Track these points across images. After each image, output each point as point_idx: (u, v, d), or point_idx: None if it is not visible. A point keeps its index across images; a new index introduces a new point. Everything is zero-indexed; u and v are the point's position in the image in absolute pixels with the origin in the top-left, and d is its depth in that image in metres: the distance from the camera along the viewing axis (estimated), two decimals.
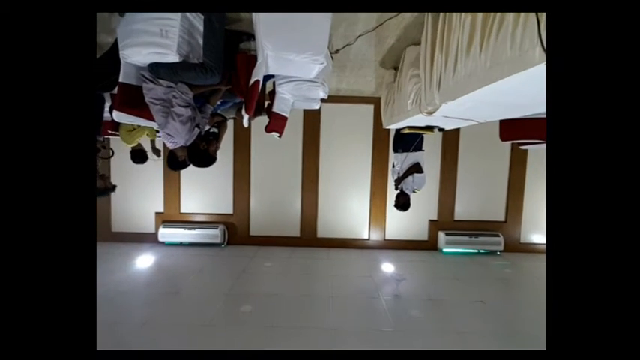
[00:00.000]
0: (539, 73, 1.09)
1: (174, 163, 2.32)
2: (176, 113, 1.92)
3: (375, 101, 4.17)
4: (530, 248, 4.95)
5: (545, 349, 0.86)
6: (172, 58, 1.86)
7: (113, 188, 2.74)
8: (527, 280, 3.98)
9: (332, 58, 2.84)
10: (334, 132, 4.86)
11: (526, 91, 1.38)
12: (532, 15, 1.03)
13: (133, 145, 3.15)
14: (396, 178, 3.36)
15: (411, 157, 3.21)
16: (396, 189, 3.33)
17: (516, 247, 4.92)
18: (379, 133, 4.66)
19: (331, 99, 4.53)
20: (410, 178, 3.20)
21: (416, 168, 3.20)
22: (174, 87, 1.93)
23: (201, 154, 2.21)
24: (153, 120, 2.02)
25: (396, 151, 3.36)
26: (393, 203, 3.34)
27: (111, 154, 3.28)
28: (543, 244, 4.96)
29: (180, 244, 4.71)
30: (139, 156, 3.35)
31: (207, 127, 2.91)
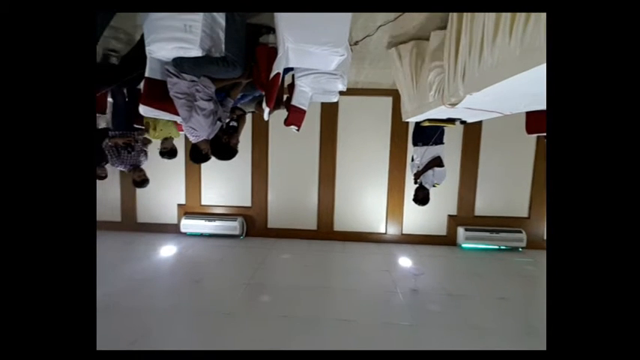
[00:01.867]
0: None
1: (197, 155, 2.38)
2: (199, 107, 1.97)
3: (394, 93, 4.10)
4: None
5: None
6: (195, 52, 1.90)
7: (148, 181, 3.15)
8: None
9: (351, 50, 2.81)
10: (352, 125, 4.82)
11: None
12: None
13: (159, 137, 3.15)
14: (415, 171, 3.31)
15: (431, 151, 3.14)
16: (415, 183, 3.29)
17: (540, 245, 4.75)
18: (397, 125, 4.59)
19: (349, 92, 4.47)
20: (430, 171, 3.14)
21: (437, 162, 3.13)
22: (198, 81, 1.98)
23: (223, 146, 2.25)
24: (177, 114, 2.08)
25: (415, 144, 3.30)
26: (412, 197, 3.29)
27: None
28: None
29: (201, 235, 4.86)
30: (171, 153, 3.32)
31: (227, 120, 2.98)
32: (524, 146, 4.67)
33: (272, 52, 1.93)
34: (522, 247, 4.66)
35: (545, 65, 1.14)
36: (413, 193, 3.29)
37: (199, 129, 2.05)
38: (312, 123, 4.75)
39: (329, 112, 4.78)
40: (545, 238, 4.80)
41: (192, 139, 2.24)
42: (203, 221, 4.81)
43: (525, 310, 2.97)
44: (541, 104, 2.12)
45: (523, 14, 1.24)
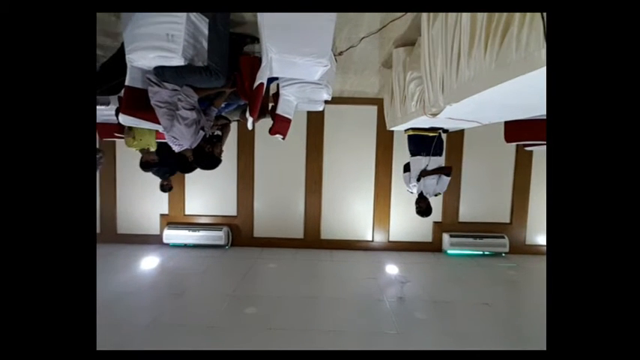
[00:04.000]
0: (544, 75, 1.08)
1: (184, 166, 2.34)
2: (181, 116, 1.94)
3: (379, 102, 4.17)
4: (535, 250, 4.91)
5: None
6: (178, 61, 1.88)
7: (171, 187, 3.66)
8: (532, 282, 3.94)
9: (336, 60, 2.85)
10: (338, 133, 4.86)
11: (532, 92, 1.37)
12: (538, 16, 1.03)
13: (136, 147, 3.09)
14: (413, 182, 3.07)
15: (434, 162, 2.98)
16: (420, 199, 3.08)
17: (522, 249, 4.88)
18: (383, 134, 4.66)
19: (335, 100, 4.54)
20: (434, 180, 2.99)
21: (446, 171, 2.99)
22: (180, 90, 1.95)
23: (206, 156, 2.22)
24: (158, 123, 2.04)
25: (416, 153, 3.04)
26: (416, 210, 3.13)
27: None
28: None
29: (185, 245, 4.73)
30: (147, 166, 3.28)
31: (212, 130, 2.94)
32: (505, 154, 4.82)
33: (255, 62, 1.93)
34: (505, 253, 4.76)
35: (519, 79, 1.19)
36: (415, 205, 3.15)
37: (181, 138, 2.01)
38: (299, 131, 4.76)
39: (315, 121, 4.81)
40: (526, 243, 4.93)
41: (176, 149, 2.20)
42: (187, 231, 4.70)
43: (509, 315, 3.02)
44: (517, 115, 2.20)
45: (500, 28, 1.29)
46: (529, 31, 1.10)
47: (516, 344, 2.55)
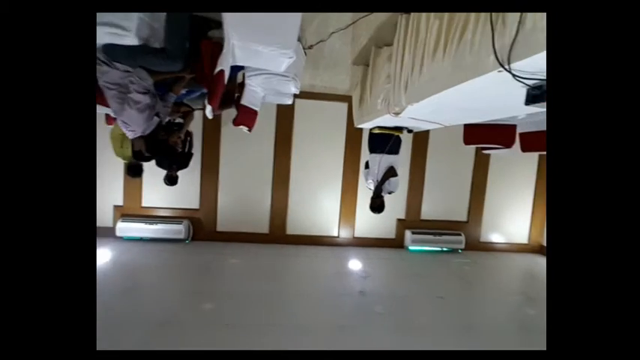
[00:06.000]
0: (494, 79, 1.14)
1: (138, 156, 2.18)
2: (133, 100, 1.80)
3: (349, 100, 4.18)
4: (488, 247, 5.25)
5: (527, 348, 0.85)
6: (131, 40, 1.74)
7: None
8: (483, 277, 4.22)
9: (305, 53, 2.81)
10: (307, 128, 4.83)
11: (483, 96, 1.43)
12: (488, 23, 1.07)
13: (127, 157, 2.76)
14: (370, 179, 3.29)
15: (386, 159, 3.16)
16: (376, 196, 3.23)
17: (476, 246, 5.19)
18: (352, 132, 4.70)
19: (305, 95, 4.51)
20: (386, 182, 3.16)
21: (391, 172, 3.16)
22: (132, 72, 1.81)
23: (159, 144, 2.09)
24: (107, 106, 1.88)
25: (373, 151, 3.27)
26: (369, 205, 3.26)
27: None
28: (501, 243, 5.29)
29: (141, 239, 4.46)
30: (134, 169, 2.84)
31: (173, 118, 2.78)
32: (466, 156, 5.09)
33: (217, 48, 1.84)
34: (461, 249, 5.05)
35: (471, 82, 1.24)
36: (370, 201, 3.27)
37: (132, 123, 1.87)
38: (268, 125, 4.67)
39: (285, 115, 4.73)
40: (480, 240, 5.26)
41: (129, 135, 2.05)
42: (143, 224, 4.42)
43: (460, 308, 3.21)
44: (474, 118, 2.31)
45: (457, 33, 1.33)
46: (481, 36, 1.14)
47: (464, 333, 2.71)
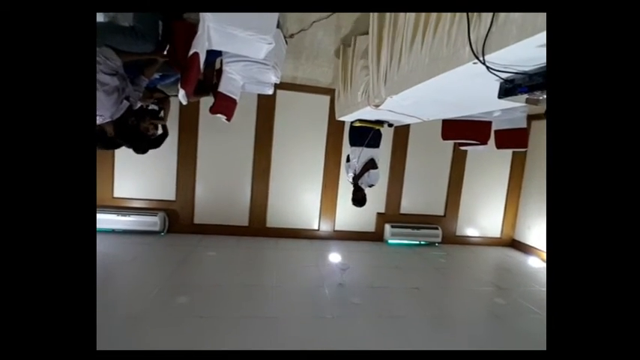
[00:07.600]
0: (468, 71, 1.14)
1: (103, 139, 2.06)
2: (99, 81, 1.69)
3: (331, 92, 4.16)
4: (464, 240, 5.44)
5: (526, 347, 0.85)
6: (97, 16, 1.62)
7: None
8: (458, 269, 4.37)
9: (286, 42, 2.75)
10: (289, 120, 4.76)
11: (459, 89, 1.45)
12: (464, 14, 1.07)
13: None
14: (351, 173, 3.35)
15: (366, 153, 3.20)
16: (354, 186, 3.32)
17: (452, 240, 5.36)
18: (334, 125, 4.68)
19: (287, 86, 4.45)
20: (365, 174, 3.22)
21: (371, 164, 3.20)
22: (98, 51, 1.69)
23: (129, 130, 1.98)
24: None
25: (353, 144, 3.32)
26: (351, 198, 3.31)
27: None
28: (476, 237, 5.48)
29: (113, 231, 4.28)
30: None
31: (146, 103, 2.64)
32: (445, 151, 5.20)
33: (192, 29, 1.75)
34: (438, 242, 5.19)
35: (447, 74, 1.24)
36: (351, 194, 3.32)
37: (99, 107, 1.76)
38: (248, 115, 4.57)
39: (266, 106, 4.64)
40: (456, 234, 5.43)
41: (97, 120, 1.92)
42: (115, 216, 4.24)
43: (434, 298, 3.30)
44: (451, 112, 2.35)
45: (433, 25, 1.33)
46: (457, 28, 1.14)
47: (438, 322, 2.80)
